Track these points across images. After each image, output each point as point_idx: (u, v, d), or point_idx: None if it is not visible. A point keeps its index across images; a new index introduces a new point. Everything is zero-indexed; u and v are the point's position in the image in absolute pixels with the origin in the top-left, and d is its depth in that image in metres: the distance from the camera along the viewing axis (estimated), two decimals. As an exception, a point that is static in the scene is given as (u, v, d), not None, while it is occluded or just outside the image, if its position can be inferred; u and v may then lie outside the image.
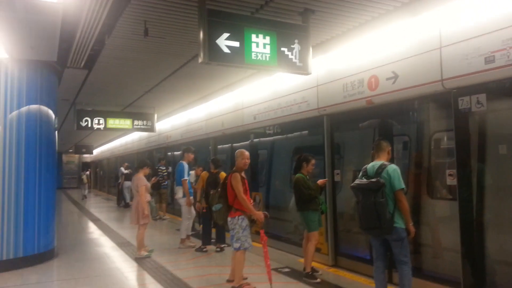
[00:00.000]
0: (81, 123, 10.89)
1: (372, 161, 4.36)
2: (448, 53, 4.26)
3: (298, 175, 5.66)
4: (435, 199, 4.92)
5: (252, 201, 5.36)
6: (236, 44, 4.40)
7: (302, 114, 6.66)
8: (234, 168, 5.27)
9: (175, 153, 13.93)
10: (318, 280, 5.41)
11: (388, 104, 5.15)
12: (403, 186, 4.03)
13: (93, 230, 10.45)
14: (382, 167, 4.11)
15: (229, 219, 5.12)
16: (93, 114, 11.07)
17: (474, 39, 4.00)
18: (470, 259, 4.22)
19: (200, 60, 4.28)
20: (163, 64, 7.10)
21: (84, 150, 26.08)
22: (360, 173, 4.30)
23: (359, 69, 5.47)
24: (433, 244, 4.99)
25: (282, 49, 4.73)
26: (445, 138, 4.85)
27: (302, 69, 4.90)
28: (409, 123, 5.39)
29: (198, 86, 8.99)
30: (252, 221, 5.06)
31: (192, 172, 8.96)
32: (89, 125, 11.02)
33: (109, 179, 25.34)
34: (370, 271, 5.00)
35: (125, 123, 11.57)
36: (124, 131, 15.76)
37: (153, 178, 9.06)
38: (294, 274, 5.75)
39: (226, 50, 4.33)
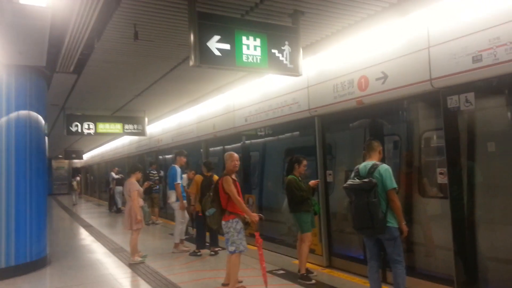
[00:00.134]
0: (71, 128, 10.79)
1: (363, 161, 4.40)
2: (436, 52, 4.31)
3: (290, 176, 5.68)
4: (427, 198, 4.96)
5: (245, 203, 5.36)
6: (227, 46, 4.40)
7: (293, 115, 6.68)
8: (224, 172, 5.26)
9: (167, 156, 13.87)
10: (313, 281, 5.42)
11: (378, 104, 5.19)
12: (395, 185, 4.07)
13: (85, 237, 10.35)
14: (374, 167, 4.14)
15: (223, 222, 5.11)
16: (83, 119, 10.97)
17: (461, 38, 4.05)
18: (463, 257, 4.27)
19: (191, 63, 4.27)
20: (153, 67, 7.07)
21: (74, 155, 25.79)
22: (352, 174, 4.33)
23: (349, 69, 5.51)
24: (425, 243, 5.03)
25: (273, 51, 4.74)
26: (435, 137, 4.90)
27: (293, 71, 4.92)
28: (399, 122, 5.43)
29: (189, 89, 8.97)
30: (247, 224, 5.06)
31: (185, 176, 8.93)
32: (79, 130, 10.92)
33: (100, 184, 25.13)
34: (364, 271, 5.03)
35: (116, 127, 11.49)
36: (114, 136, 15.63)
37: (145, 183, 9.01)
38: (289, 276, 5.75)
39: (217, 52, 4.33)
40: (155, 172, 12.57)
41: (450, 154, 4.33)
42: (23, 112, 6.63)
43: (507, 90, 4.01)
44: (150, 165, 13.05)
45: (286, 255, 6.97)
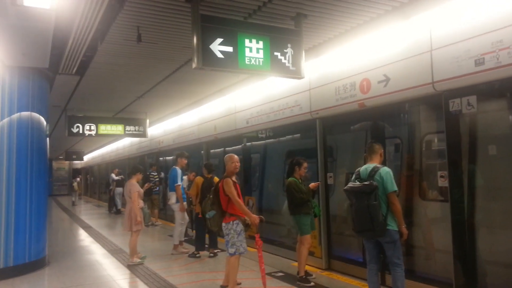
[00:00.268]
0: (72, 129, 10.80)
1: (364, 163, 4.40)
2: (439, 55, 4.33)
3: (290, 179, 5.68)
4: (427, 201, 4.97)
5: (245, 205, 5.37)
6: (229, 49, 4.42)
7: (295, 117, 6.69)
8: (225, 174, 5.27)
9: (167, 158, 13.88)
10: (312, 283, 5.42)
11: (380, 107, 5.20)
12: (395, 188, 4.07)
13: (85, 237, 10.34)
14: (375, 170, 4.15)
15: (223, 224, 5.11)
16: (84, 120, 10.99)
17: (464, 41, 4.07)
18: (462, 260, 4.26)
19: (194, 65, 4.29)
20: (155, 69, 7.09)
21: (74, 156, 25.83)
22: (353, 176, 4.34)
23: (351, 72, 5.53)
24: (425, 246, 5.04)
25: (275, 53, 4.76)
26: (436, 140, 4.91)
27: (295, 73, 4.94)
28: (400, 125, 5.44)
29: (191, 91, 8.99)
30: (247, 226, 5.06)
31: (185, 177, 8.94)
32: (81, 131, 10.93)
33: (100, 186, 25.12)
34: (363, 273, 5.02)
35: (117, 129, 11.51)
36: (115, 137, 15.66)
37: (146, 184, 9.01)
38: (288, 278, 5.75)
39: (219, 55, 4.34)
40: (155, 173, 12.59)
41: (451, 157, 4.34)
42: (25, 113, 6.64)
43: (509, 94, 4.02)
44: (150, 167, 13.07)
45: (285, 257, 6.96)
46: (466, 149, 4.33)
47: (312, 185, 5.72)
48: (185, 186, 8.66)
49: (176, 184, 7.87)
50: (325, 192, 6.26)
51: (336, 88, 5.79)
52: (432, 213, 4.95)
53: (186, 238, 8.55)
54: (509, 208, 4.08)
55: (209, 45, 4.29)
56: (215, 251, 7.44)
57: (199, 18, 4.23)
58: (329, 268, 6.15)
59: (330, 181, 6.23)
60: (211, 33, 4.31)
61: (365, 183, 4.05)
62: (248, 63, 4.57)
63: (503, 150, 4.10)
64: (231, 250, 5.00)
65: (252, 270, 6.17)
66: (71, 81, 7.82)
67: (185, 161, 8.28)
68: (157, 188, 12.49)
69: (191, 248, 7.72)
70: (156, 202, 12.50)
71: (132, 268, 6.70)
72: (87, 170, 31.58)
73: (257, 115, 7.73)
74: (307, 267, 5.78)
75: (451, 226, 4.30)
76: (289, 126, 7.07)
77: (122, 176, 16.37)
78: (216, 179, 7.20)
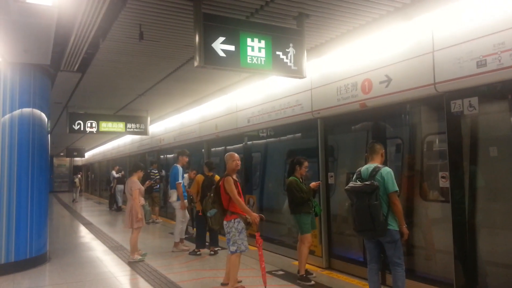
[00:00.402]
0: (73, 126, 10.83)
1: (366, 163, 4.41)
2: (441, 57, 4.33)
3: (291, 178, 5.69)
4: (428, 201, 4.97)
5: (246, 204, 5.38)
6: (231, 48, 4.42)
7: (296, 117, 6.70)
8: (226, 172, 5.28)
9: (168, 156, 13.90)
10: (312, 282, 5.43)
11: (381, 107, 5.21)
12: (396, 188, 4.08)
13: (85, 234, 10.37)
14: (376, 170, 4.15)
15: (225, 222, 5.13)
16: (85, 117, 11.02)
17: (466, 43, 4.07)
18: (462, 261, 4.27)
19: (196, 63, 4.29)
20: (157, 67, 7.09)
21: (75, 153, 25.88)
22: (354, 176, 4.34)
23: (353, 72, 5.53)
24: (426, 246, 5.04)
25: (277, 53, 4.76)
26: (438, 141, 4.92)
27: (297, 73, 4.94)
28: (402, 126, 5.45)
29: (192, 89, 9.00)
30: (248, 224, 5.08)
31: (186, 175, 8.95)
32: (82, 129, 10.96)
33: (100, 183, 25.16)
34: (364, 273, 5.04)
35: (118, 126, 11.53)
36: (117, 134, 15.69)
37: (147, 182, 9.03)
38: (288, 276, 5.76)
39: (221, 54, 4.35)
40: (156, 171, 12.61)
41: (452, 158, 4.34)
42: (26, 110, 6.66)
43: (510, 95, 4.01)
44: (151, 164, 13.10)
45: (286, 256, 6.98)
46: (467, 150, 4.33)
47: (312, 184, 5.73)
48: (186, 184, 8.67)
49: (177, 182, 7.89)
50: (326, 192, 6.26)
51: (337, 88, 5.79)
52: (433, 213, 4.95)
53: (186, 236, 8.57)
54: (510, 209, 4.09)
55: (211, 43, 4.29)
56: (216, 249, 7.46)
57: (202, 17, 4.24)
58: (329, 267, 6.16)
59: (331, 181, 6.24)
60: (213, 32, 4.31)
61: (366, 183, 4.06)
62: (250, 62, 4.57)
63: (504, 152, 4.11)
64: (232, 248, 5.01)
65: (252, 268, 6.19)
66: (72, 78, 7.83)
67: (186, 159, 8.30)
68: (158, 185, 12.52)
69: (192, 246, 7.74)
70: (157, 199, 12.54)
71: (132, 265, 6.72)
72: (88, 167, 31.62)
73: (258, 114, 7.74)
74: (308, 266, 5.79)
75: (452, 226, 4.31)
76: (290, 126, 7.08)
77: (122, 173, 16.42)
78: (217, 177, 7.21)
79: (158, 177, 12.59)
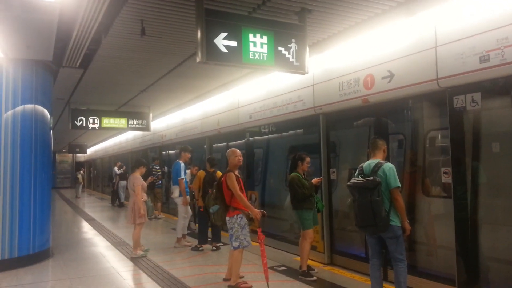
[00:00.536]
0: (76, 122, 10.84)
1: (368, 159, 4.41)
2: (444, 52, 4.31)
3: (293, 173, 5.70)
4: (430, 197, 4.97)
5: (248, 199, 5.38)
6: (233, 43, 4.41)
7: (298, 113, 6.69)
8: (228, 168, 5.28)
9: (170, 152, 13.92)
10: (314, 278, 5.45)
11: (383, 102, 5.19)
12: (399, 184, 4.07)
13: (88, 230, 10.41)
14: (378, 166, 4.15)
15: (227, 218, 5.14)
16: (88, 114, 11.03)
17: (469, 38, 4.05)
18: (464, 257, 4.28)
19: (198, 59, 4.29)
20: (159, 63, 7.09)
21: (78, 149, 25.92)
22: (356, 172, 4.34)
23: (355, 68, 5.51)
24: (428, 242, 5.05)
25: (279, 48, 4.74)
26: (440, 137, 4.91)
27: (299, 68, 4.93)
28: (404, 121, 5.43)
29: (194, 85, 8.99)
30: (250, 219, 5.09)
31: (188, 171, 8.97)
32: (84, 125, 10.97)
33: (103, 179, 25.23)
34: (365, 269, 5.05)
35: (120, 122, 11.54)
36: (119, 131, 15.71)
37: (149, 178, 9.05)
38: (290, 272, 5.78)
39: (223, 49, 4.34)
40: (158, 167, 12.64)
41: (455, 153, 4.33)
42: (29, 106, 6.67)
43: (513, 91, 4.00)
44: (153, 161, 13.12)
45: (287, 252, 6.99)
46: (470, 146, 4.32)
47: (314, 180, 5.72)
48: (188, 180, 8.69)
49: (179, 178, 7.90)
50: (328, 188, 6.27)
51: (340, 84, 5.78)
52: (435, 209, 4.95)
53: (189, 232, 8.59)
54: (512, 205, 4.09)
55: (213, 39, 4.29)
56: (218, 244, 7.48)
57: (204, 12, 4.23)
58: (331, 263, 6.17)
59: (333, 177, 6.24)
60: (215, 27, 4.30)
61: (368, 178, 4.05)
62: (252, 57, 4.56)
63: (507, 147, 4.09)
64: (235, 244, 5.03)
65: (254, 264, 6.20)
66: (74, 74, 7.84)
67: (188, 155, 8.31)
68: (160, 181, 12.55)
69: (194, 242, 7.76)
70: (159, 195, 12.59)
71: (135, 260, 6.75)
72: (90, 163, 31.69)
73: (260, 110, 7.73)
74: (310, 262, 5.80)
75: (454, 222, 4.31)
76: (292, 121, 7.07)
77: (124, 168, 16.46)
78: (218, 173, 7.23)
79: (160, 173, 12.63)
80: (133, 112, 11.78)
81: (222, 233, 7.63)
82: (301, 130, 7.41)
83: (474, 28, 4.02)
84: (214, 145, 10.44)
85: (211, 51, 4.27)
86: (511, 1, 3.74)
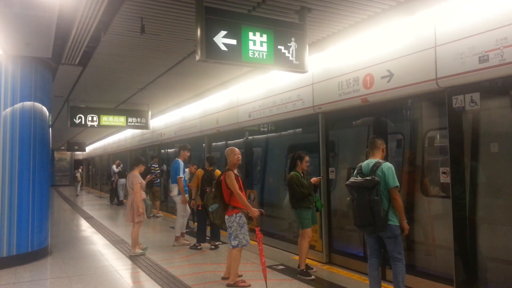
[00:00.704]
0: (74, 120, 10.82)
1: (366, 159, 4.41)
2: (443, 52, 4.31)
3: (292, 172, 5.70)
4: (429, 197, 4.98)
5: (247, 198, 5.39)
6: (233, 42, 4.40)
7: (297, 112, 6.69)
8: (227, 167, 5.28)
9: (169, 150, 13.91)
10: (312, 277, 5.45)
11: (382, 102, 5.19)
12: (397, 184, 4.08)
13: (86, 228, 10.40)
14: (376, 165, 4.15)
15: (226, 217, 5.15)
16: (86, 111, 11.01)
17: (468, 38, 4.05)
18: (463, 256, 4.28)
19: (197, 57, 4.28)
20: (158, 61, 7.08)
21: (76, 147, 25.86)
22: (355, 171, 4.34)
23: (355, 67, 5.51)
24: (426, 241, 5.05)
25: (279, 47, 4.74)
26: (439, 136, 4.91)
27: (299, 67, 4.92)
28: (403, 121, 5.44)
29: (193, 83, 8.98)
30: (250, 218, 5.09)
31: (187, 170, 8.96)
32: (83, 122, 10.95)
33: (101, 177, 25.22)
34: (364, 268, 5.06)
35: (119, 120, 11.53)
36: (117, 128, 15.69)
37: (148, 176, 9.04)
38: (289, 271, 5.78)
39: (223, 48, 4.33)
40: (156, 165, 12.63)
41: (453, 153, 4.34)
42: (28, 103, 6.65)
43: (512, 91, 4.01)
44: (151, 159, 13.11)
45: (286, 251, 7.00)
46: (469, 146, 4.32)
47: (313, 179, 5.73)
48: (187, 178, 8.69)
49: (178, 176, 7.90)
50: (327, 187, 6.27)
51: (339, 83, 5.78)
52: (434, 209, 4.96)
53: (187, 230, 8.60)
54: (511, 205, 4.09)
55: (213, 37, 4.28)
56: (217, 243, 7.48)
57: (203, 10, 4.22)
58: (329, 262, 6.18)
59: (332, 176, 6.24)
60: (215, 26, 4.29)
61: (367, 178, 4.05)
62: (252, 56, 4.56)
63: (506, 148, 4.10)
64: (234, 243, 5.03)
65: (253, 263, 6.21)
66: (73, 71, 7.82)
67: (187, 153, 8.30)
68: (158, 180, 12.54)
69: (193, 240, 7.76)
70: (158, 194, 12.58)
71: (133, 258, 6.75)
72: (89, 161, 31.65)
73: (259, 109, 7.73)
74: (308, 261, 5.81)
75: (452, 222, 4.31)
76: (291, 120, 7.07)
77: (122, 165, 16.45)
78: (217, 172, 7.23)
79: (159, 171, 12.62)
80: (132, 110, 11.76)
81: (221, 231, 7.64)
82: (300, 129, 7.41)
83: (473, 28, 4.02)
84: (213, 143, 10.43)
85: (211, 49, 4.27)
86: (510, 1, 3.74)
